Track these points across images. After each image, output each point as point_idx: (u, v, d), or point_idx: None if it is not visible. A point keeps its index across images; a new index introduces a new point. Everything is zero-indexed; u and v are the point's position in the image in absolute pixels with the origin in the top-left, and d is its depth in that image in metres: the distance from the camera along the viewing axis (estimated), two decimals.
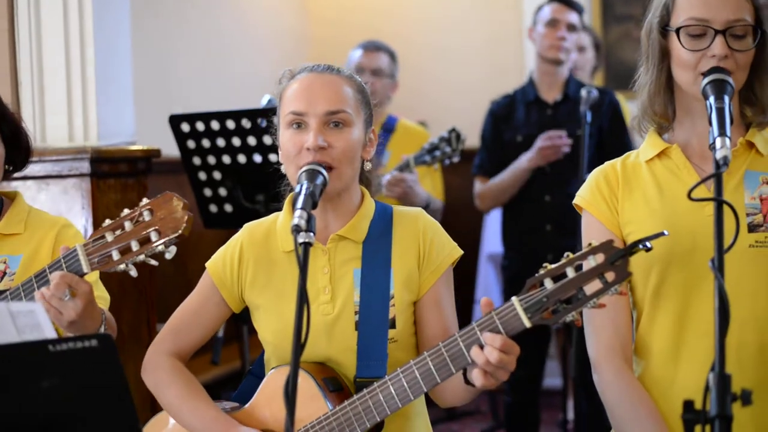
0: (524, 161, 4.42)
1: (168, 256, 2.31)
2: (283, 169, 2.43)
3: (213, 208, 3.89)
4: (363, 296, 2.38)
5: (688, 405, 1.74)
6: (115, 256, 2.33)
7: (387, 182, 4.20)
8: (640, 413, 2.25)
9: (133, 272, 2.34)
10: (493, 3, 6.91)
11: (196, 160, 3.82)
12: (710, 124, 2.05)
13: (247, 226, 2.54)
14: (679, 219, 2.27)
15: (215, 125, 3.73)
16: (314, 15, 7.19)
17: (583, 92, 4.24)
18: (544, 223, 4.50)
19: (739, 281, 2.23)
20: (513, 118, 4.65)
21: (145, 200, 2.31)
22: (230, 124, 3.71)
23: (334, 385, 2.33)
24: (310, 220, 2.13)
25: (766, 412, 2.22)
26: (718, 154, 1.94)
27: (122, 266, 2.33)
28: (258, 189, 3.81)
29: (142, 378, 2.50)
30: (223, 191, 3.85)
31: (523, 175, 4.45)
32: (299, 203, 2.14)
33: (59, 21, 3.55)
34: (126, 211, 2.33)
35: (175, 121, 3.77)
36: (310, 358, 2.39)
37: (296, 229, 2.07)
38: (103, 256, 2.35)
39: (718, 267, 1.84)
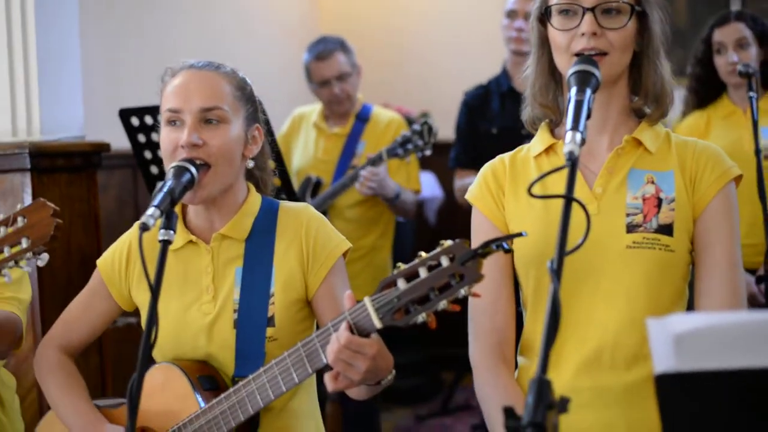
0: None
1: (40, 263, 2.29)
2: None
3: None
4: (242, 295, 2.36)
5: (508, 411, 1.66)
6: None
7: (363, 178, 4.16)
8: None
9: (7, 278, 2.31)
10: None
11: (147, 154, 3.80)
12: (565, 115, 1.97)
13: (138, 223, 2.51)
14: (557, 217, 2.17)
15: None
16: (325, 9, 7.15)
17: None
18: None
19: (617, 282, 2.15)
20: (488, 110, 4.54)
21: (19, 206, 2.29)
22: None
23: (210, 384, 2.32)
24: (170, 217, 2.11)
25: (639, 413, 2.13)
26: (565, 149, 1.84)
27: None
28: None
29: (34, 371, 2.51)
30: None
31: None
32: (155, 200, 2.11)
33: (1, 14, 3.54)
34: (0, 216, 2.31)
35: (124, 114, 3.75)
36: (193, 357, 2.38)
37: (143, 228, 2.04)
38: None
39: (557, 270, 1.74)
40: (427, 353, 6.10)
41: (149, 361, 2.35)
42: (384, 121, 4.59)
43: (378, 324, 2.00)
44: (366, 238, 4.44)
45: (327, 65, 4.49)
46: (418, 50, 7.00)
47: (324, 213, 4.35)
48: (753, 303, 3.76)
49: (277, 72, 6.43)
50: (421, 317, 1.96)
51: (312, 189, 4.42)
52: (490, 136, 4.45)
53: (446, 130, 5.03)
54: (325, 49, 4.51)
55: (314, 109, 4.67)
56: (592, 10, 2.14)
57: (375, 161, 4.22)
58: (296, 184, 4.49)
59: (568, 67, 2.16)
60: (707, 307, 2.17)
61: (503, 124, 4.42)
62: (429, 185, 6.17)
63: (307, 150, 4.60)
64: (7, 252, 2.27)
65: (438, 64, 6.92)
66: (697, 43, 4.16)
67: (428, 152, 4.22)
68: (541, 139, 2.31)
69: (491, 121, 4.51)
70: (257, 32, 6.43)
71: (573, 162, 1.83)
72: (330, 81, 4.48)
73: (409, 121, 5.85)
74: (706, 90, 4.12)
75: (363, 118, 4.58)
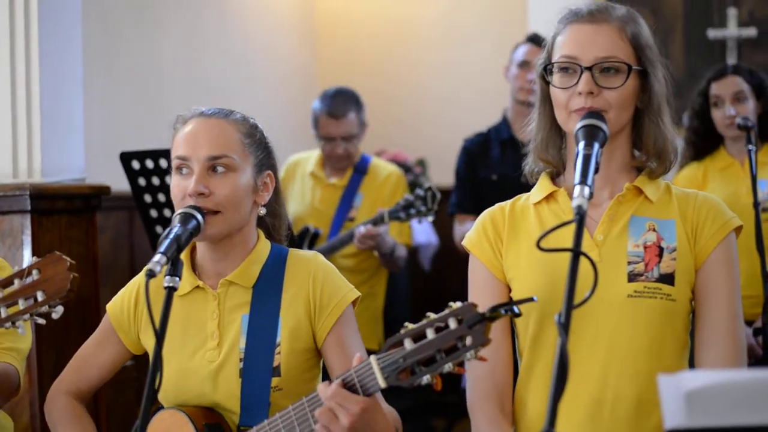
0: None
1: (54, 316, 2.29)
2: None
3: None
4: (248, 343, 2.34)
5: None
6: (3, 313, 2.30)
7: (361, 236, 4.14)
8: None
9: (21, 330, 2.31)
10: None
11: (147, 198, 3.81)
12: (574, 169, 1.98)
13: (144, 270, 2.52)
14: (558, 266, 2.17)
15: (163, 163, 3.73)
16: (323, 58, 7.18)
17: None
18: None
19: (618, 332, 2.15)
20: (488, 156, 4.59)
21: (34, 259, 2.29)
22: None
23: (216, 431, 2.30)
24: (176, 264, 2.11)
25: None
26: (574, 203, 1.86)
27: (8, 324, 2.30)
28: None
29: (45, 417, 2.51)
30: None
31: None
32: (162, 247, 2.11)
33: (5, 57, 3.57)
34: (16, 268, 2.32)
35: (125, 158, 3.76)
36: (198, 404, 2.37)
37: (149, 274, 2.04)
38: None
39: (565, 323, 1.75)
40: (419, 400, 6.07)
41: (156, 405, 2.36)
42: (383, 174, 4.58)
43: (382, 383, 1.99)
44: (362, 286, 4.43)
45: (337, 124, 4.43)
46: (415, 99, 7.04)
47: None
48: (750, 355, 3.77)
49: (275, 119, 6.44)
50: (426, 378, 1.96)
51: (310, 240, 4.41)
52: (490, 183, 4.49)
53: (439, 177, 5.04)
54: (339, 108, 4.43)
55: (310, 156, 4.66)
56: (590, 69, 2.16)
57: (376, 222, 4.20)
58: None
59: (567, 123, 2.19)
60: (708, 357, 2.17)
61: (503, 171, 4.46)
62: (424, 232, 6.15)
63: (304, 198, 4.58)
64: (21, 304, 2.27)
65: (434, 112, 6.95)
66: (694, 96, 4.19)
67: (430, 218, 4.21)
68: (541, 186, 2.32)
69: (491, 168, 4.55)
70: (255, 79, 6.43)
71: (581, 216, 1.84)
72: (335, 139, 4.45)
73: (405, 168, 5.87)
74: (704, 142, 4.15)
75: (361, 170, 4.57)
